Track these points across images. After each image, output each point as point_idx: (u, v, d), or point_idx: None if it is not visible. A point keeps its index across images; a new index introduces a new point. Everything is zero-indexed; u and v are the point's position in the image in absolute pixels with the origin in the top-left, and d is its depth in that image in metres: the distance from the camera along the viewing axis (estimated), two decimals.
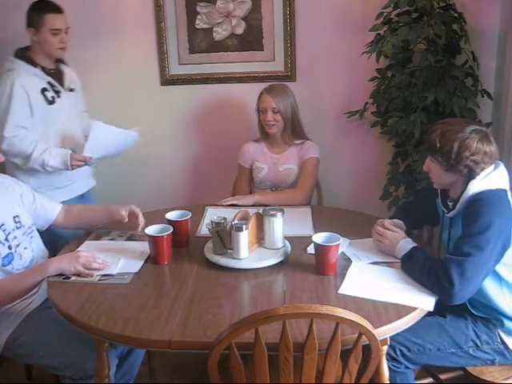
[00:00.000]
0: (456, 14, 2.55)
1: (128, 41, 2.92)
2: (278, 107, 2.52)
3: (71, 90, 2.54)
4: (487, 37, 2.74)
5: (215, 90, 2.99)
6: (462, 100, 2.52)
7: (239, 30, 2.91)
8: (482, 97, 2.64)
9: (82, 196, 2.67)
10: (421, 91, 2.53)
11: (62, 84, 2.51)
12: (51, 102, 2.43)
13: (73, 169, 2.39)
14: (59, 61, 2.55)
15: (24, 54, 2.43)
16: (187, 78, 2.99)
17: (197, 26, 2.92)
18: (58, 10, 2.41)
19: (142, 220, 2.06)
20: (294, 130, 2.61)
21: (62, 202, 2.30)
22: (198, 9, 2.89)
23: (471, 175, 1.72)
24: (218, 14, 2.89)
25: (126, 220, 2.05)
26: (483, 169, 1.71)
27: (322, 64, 2.93)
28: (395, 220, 1.99)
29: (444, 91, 2.49)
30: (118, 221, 2.07)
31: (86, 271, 1.80)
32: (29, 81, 2.38)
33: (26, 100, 2.36)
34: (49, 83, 2.44)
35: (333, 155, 2.98)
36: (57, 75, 2.51)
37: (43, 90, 2.41)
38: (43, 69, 2.45)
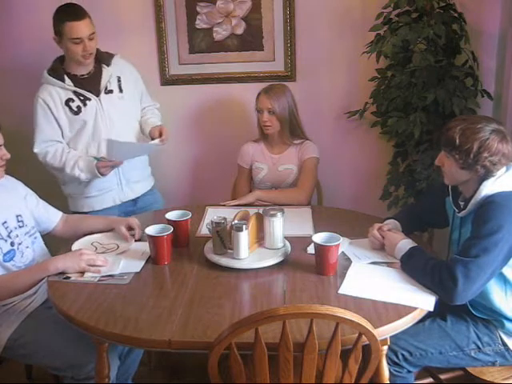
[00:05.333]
0: (456, 14, 2.55)
1: (128, 41, 2.91)
2: (274, 108, 2.50)
3: (108, 91, 2.45)
4: (487, 37, 2.73)
5: (215, 90, 2.99)
6: (461, 100, 2.52)
7: (239, 30, 2.91)
8: (482, 97, 2.64)
9: (135, 202, 2.64)
10: (421, 91, 2.53)
11: (97, 88, 2.44)
12: (77, 113, 2.41)
13: (105, 175, 2.38)
14: (100, 60, 2.46)
15: (54, 66, 2.42)
16: (187, 78, 2.99)
17: (197, 26, 2.92)
18: (77, 16, 2.27)
19: (137, 234, 2.05)
20: (293, 131, 2.60)
21: (97, 212, 2.49)
22: (198, 9, 2.89)
23: (486, 175, 1.70)
24: (218, 14, 2.89)
25: (128, 238, 2.04)
26: (498, 169, 1.69)
27: (321, 64, 2.93)
28: (389, 221, 1.99)
29: (444, 91, 2.49)
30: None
31: (92, 268, 1.80)
32: (52, 94, 2.39)
33: (49, 114, 2.39)
34: (74, 93, 2.40)
35: (333, 155, 2.98)
36: (90, 80, 2.43)
37: (67, 101, 2.40)
38: (73, 77, 2.41)
